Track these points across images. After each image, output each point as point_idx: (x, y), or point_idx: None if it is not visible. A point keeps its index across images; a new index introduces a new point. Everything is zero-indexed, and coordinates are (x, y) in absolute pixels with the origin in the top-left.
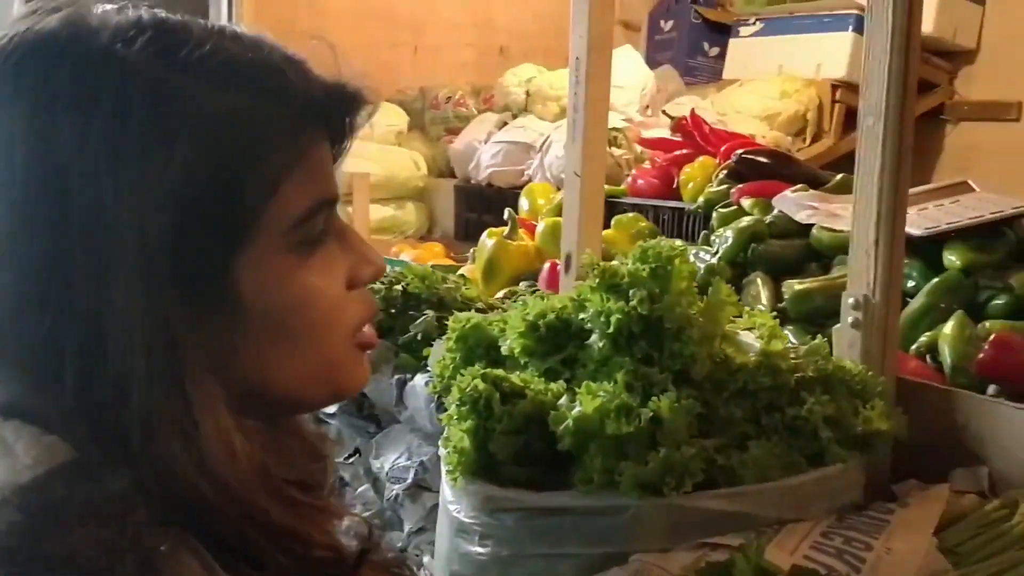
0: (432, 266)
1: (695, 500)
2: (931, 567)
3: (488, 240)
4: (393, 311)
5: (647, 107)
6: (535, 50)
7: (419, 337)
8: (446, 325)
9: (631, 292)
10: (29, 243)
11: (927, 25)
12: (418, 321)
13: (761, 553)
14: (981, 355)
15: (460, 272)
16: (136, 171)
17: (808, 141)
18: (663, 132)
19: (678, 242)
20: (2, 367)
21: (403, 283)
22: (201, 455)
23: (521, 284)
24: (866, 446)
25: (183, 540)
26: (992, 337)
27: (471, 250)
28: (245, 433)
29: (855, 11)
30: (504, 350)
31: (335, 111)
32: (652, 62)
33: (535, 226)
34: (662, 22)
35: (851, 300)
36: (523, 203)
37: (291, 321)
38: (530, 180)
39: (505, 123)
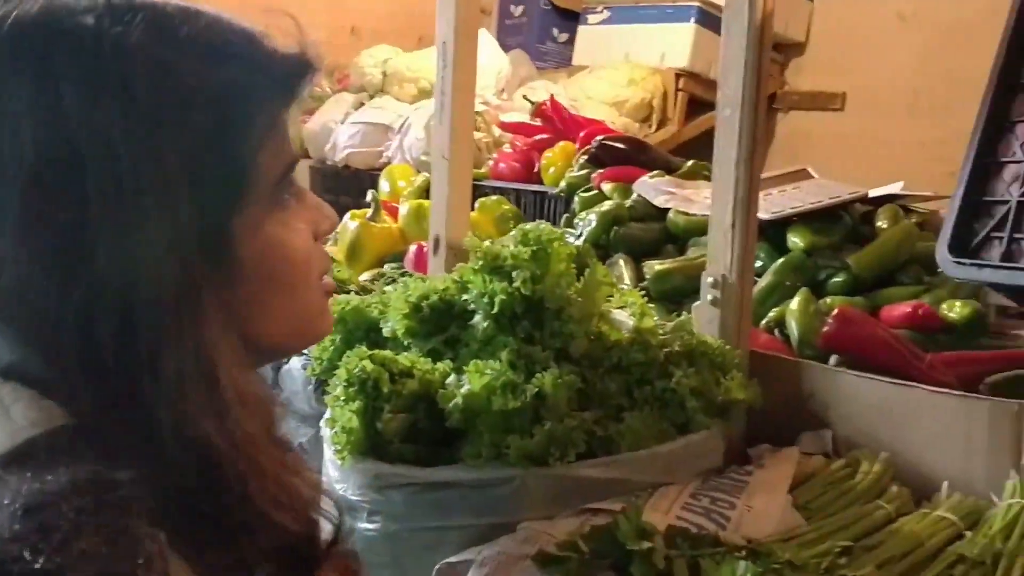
0: None
1: (577, 469)
2: (787, 522)
3: (351, 222)
4: None
5: (503, 90)
6: (386, 30)
7: None
8: None
9: (514, 274)
10: (48, 217)
11: None
12: None
13: (640, 515)
14: (825, 328)
15: None
16: (149, 144)
17: (654, 127)
18: (520, 116)
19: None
20: (6, 332)
21: None
22: (223, 408)
23: (386, 266)
24: (726, 414)
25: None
26: (834, 312)
27: (334, 233)
28: (255, 386)
29: (697, 3)
30: (386, 332)
31: (298, 79)
32: (503, 46)
33: (397, 208)
34: (512, 7)
35: (710, 279)
36: (383, 185)
37: (278, 273)
38: (389, 162)
39: (362, 104)
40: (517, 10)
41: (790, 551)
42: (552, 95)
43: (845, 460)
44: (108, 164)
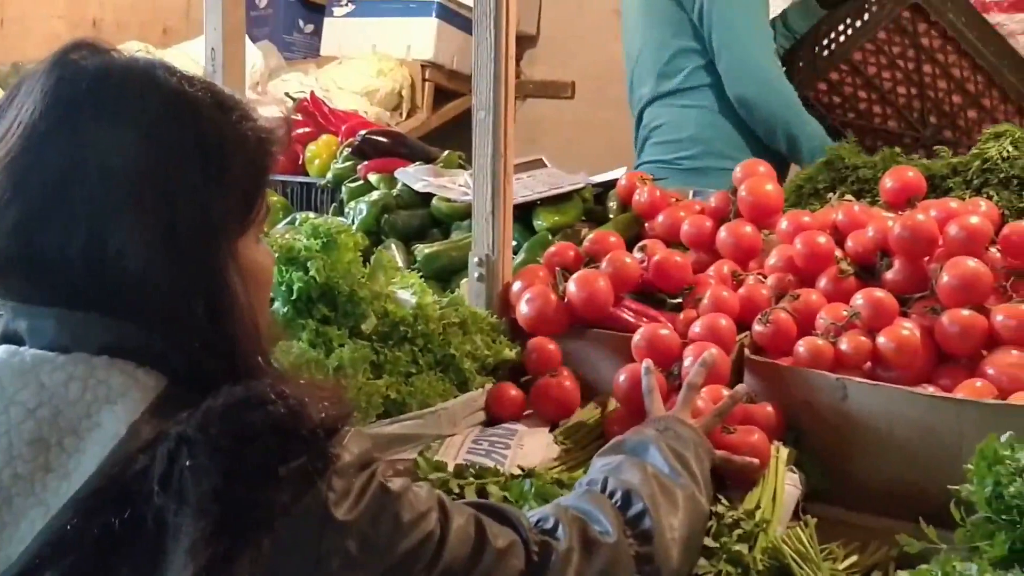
0: None
1: (377, 428)
2: (550, 454)
3: None
4: None
5: (257, 84)
6: (130, 23)
7: None
8: None
9: (308, 264)
10: (148, 226)
11: None
12: None
13: (433, 455)
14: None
15: None
16: (216, 177)
17: (404, 116)
18: (275, 110)
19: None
20: (99, 319)
21: None
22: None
23: None
24: (496, 372)
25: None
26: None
27: None
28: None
29: None
30: None
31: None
32: (251, 37)
33: None
34: None
35: (476, 259)
36: None
37: (263, 282)
38: None
39: None
40: (262, 2)
41: (556, 473)
42: (312, 92)
43: (592, 403)
44: (191, 192)
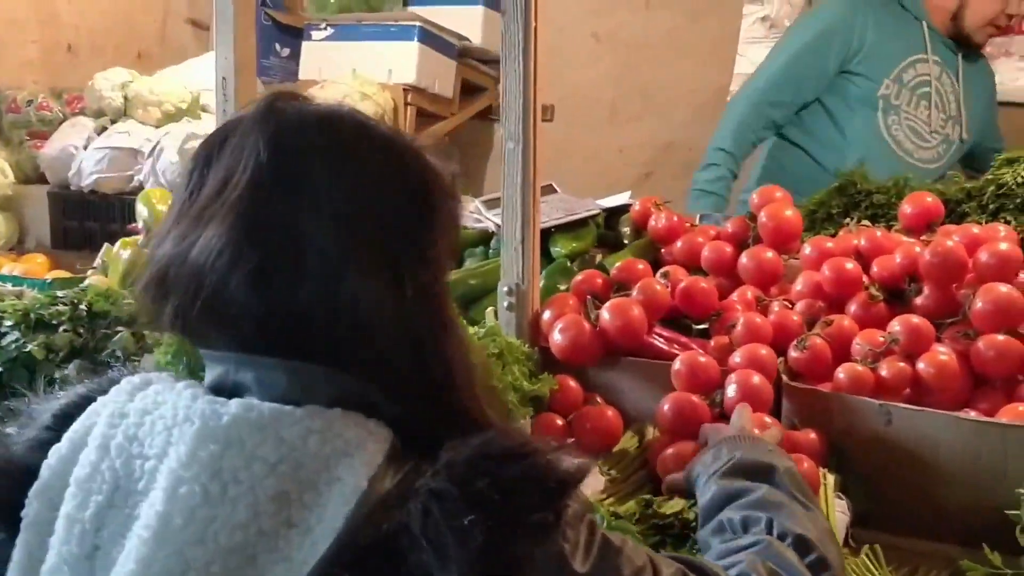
0: (56, 280)
1: None
2: (597, 485)
3: (123, 250)
4: (81, 331)
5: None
6: (105, 47)
7: (118, 354)
8: (143, 340)
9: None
10: (377, 272)
11: (475, 37)
12: (116, 339)
13: None
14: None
15: (85, 284)
16: (429, 221)
17: None
18: None
19: None
20: (321, 371)
21: (85, 302)
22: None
23: None
24: (536, 404)
25: None
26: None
27: (99, 260)
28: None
29: (418, 23)
30: None
31: None
32: None
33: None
34: None
35: (505, 288)
36: (141, 209)
37: (466, 342)
38: (141, 186)
39: (105, 128)
40: None
41: (610, 505)
42: None
43: (632, 430)
44: (411, 231)
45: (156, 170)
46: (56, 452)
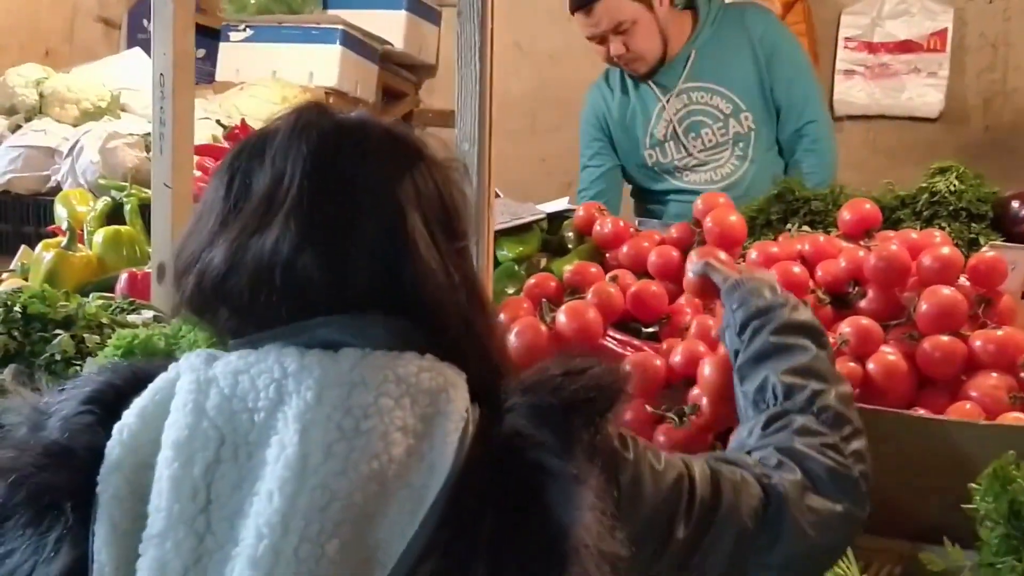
0: None
1: None
2: None
3: (45, 252)
4: (16, 334)
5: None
6: (10, 45)
7: (58, 358)
8: (83, 344)
9: None
10: (422, 242)
11: (398, 43)
12: (54, 343)
13: None
14: None
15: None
16: (457, 206)
17: None
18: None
19: None
20: (409, 327)
21: (19, 304)
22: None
23: (91, 295)
24: None
25: None
26: None
27: (16, 263)
28: None
29: (340, 26)
30: None
31: None
32: None
33: (82, 235)
34: (145, 21)
35: None
36: (60, 211)
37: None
38: (59, 186)
39: (19, 126)
40: (151, 25)
41: None
42: (243, 119)
43: None
44: (450, 222)
45: (75, 170)
46: (125, 429)
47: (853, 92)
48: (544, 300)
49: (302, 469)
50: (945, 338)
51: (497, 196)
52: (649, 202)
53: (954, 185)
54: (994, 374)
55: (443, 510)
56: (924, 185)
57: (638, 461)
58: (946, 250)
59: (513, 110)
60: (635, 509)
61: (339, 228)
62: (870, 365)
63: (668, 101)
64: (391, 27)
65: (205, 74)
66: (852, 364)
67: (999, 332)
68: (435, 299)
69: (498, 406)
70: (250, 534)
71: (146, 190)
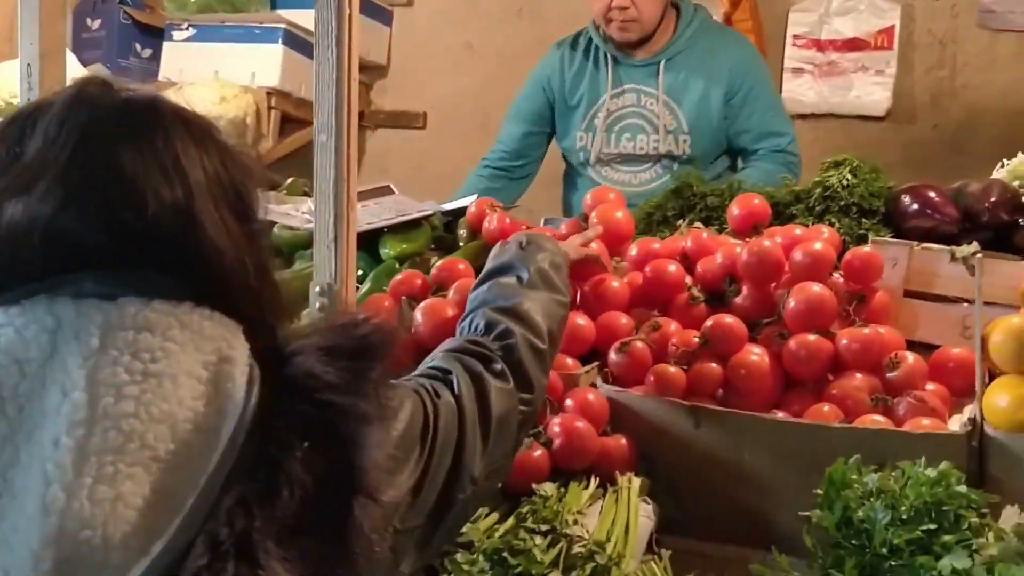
0: None
1: None
2: None
3: None
4: None
5: None
6: None
7: None
8: None
9: None
10: (215, 212)
11: None
12: None
13: None
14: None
15: None
16: (247, 185)
17: (249, 144)
18: None
19: None
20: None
21: None
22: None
23: None
24: None
25: None
26: None
27: None
28: None
29: (283, 25)
30: None
31: None
32: (81, 61)
33: None
34: (89, 20)
35: (317, 288)
36: None
37: None
38: None
39: None
40: (94, 24)
41: None
42: None
43: None
44: (238, 203)
45: None
46: None
47: (802, 90)
48: (404, 298)
49: (92, 412)
50: (811, 337)
51: (391, 192)
52: (570, 191)
53: (847, 179)
54: (858, 375)
55: (237, 453)
56: (818, 179)
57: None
58: (818, 245)
59: (463, 110)
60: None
61: (112, 201)
62: (731, 365)
63: (619, 94)
64: None
65: (149, 74)
66: (713, 364)
67: (865, 331)
68: (223, 280)
69: (281, 353)
70: (36, 481)
71: None
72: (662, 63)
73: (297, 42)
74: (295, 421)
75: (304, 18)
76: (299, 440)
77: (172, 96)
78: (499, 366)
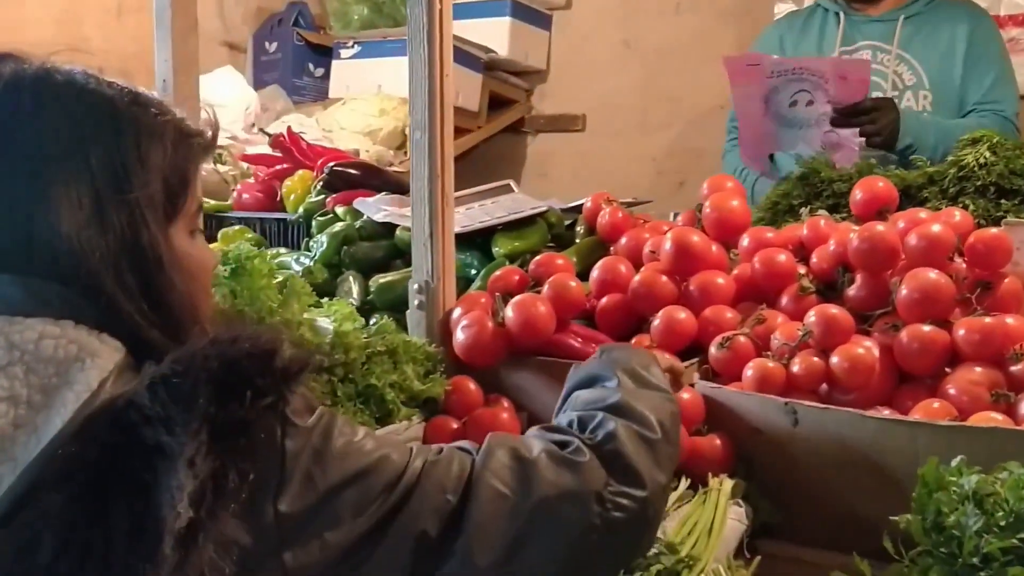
0: None
1: None
2: None
3: None
4: None
5: (252, 125)
6: (137, 71)
7: None
8: None
9: (213, 290)
10: (75, 204)
11: (502, 50)
12: None
13: None
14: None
15: None
16: (136, 161)
17: (408, 154)
18: (267, 149)
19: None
20: (58, 291)
21: None
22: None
23: None
24: (427, 405)
25: None
26: None
27: None
28: None
29: None
30: None
31: (209, 143)
32: (260, 82)
33: None
34: (267, 44)
35: (415, 286)
36: None
37: (197, 273)
38: None
39: None
40: (272, 47)
41: None
42: (289, 127)
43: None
44: (112, 169)
45: None
46: None
47: None
48: (498, 294)
49: None
50: (925, 327)
51: (511, 191)
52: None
53: (984, 157)
54: (977, 368)
55: (31, 480)
56: (952, 159)
57: (318, 431)
58: (935, 227)
59: (622, 109)
60: (311, 481)
61: None
62: (833, 359)
63: (853, 52)
64: (496, 34)
65: (322, 92)
66: (815, 359)
67: (987, 320)
68: (79, 264)
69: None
70: None
71: None
72: (900, 19)
73: (455, 52)
74: (101, 460)
75: (461, 29)
76: (91, 484)
77: (348, 112)
78: (575, 446)
